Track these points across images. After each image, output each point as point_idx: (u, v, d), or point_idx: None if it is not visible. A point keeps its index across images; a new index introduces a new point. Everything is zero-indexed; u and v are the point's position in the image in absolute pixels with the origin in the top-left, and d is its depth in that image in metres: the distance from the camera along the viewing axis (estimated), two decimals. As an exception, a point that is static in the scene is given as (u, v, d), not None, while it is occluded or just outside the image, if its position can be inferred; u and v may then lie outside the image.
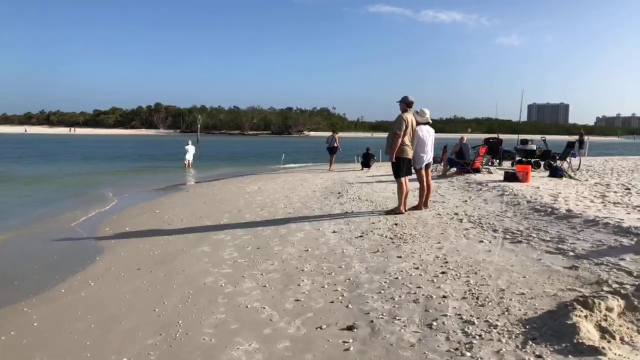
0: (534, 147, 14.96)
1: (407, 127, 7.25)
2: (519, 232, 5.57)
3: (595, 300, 3.21)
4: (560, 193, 8.12)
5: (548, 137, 16.76)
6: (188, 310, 3.94)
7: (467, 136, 14.43)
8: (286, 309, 3.80)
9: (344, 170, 18.44)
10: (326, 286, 4.24)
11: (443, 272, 4.35)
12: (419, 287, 4.00)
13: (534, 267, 4.28)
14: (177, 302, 4.16)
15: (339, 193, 10.40)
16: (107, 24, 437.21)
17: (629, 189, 8.83)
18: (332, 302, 3.86)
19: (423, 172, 7.67)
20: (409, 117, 7.34)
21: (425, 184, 7.67)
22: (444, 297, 3.72)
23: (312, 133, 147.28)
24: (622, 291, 3.40)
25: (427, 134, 7.64)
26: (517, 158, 15.60)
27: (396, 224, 6.63)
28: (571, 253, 4.54)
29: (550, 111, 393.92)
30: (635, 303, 3.25)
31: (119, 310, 4.07)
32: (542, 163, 15.02)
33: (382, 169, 17.49)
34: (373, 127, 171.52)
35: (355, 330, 3.30)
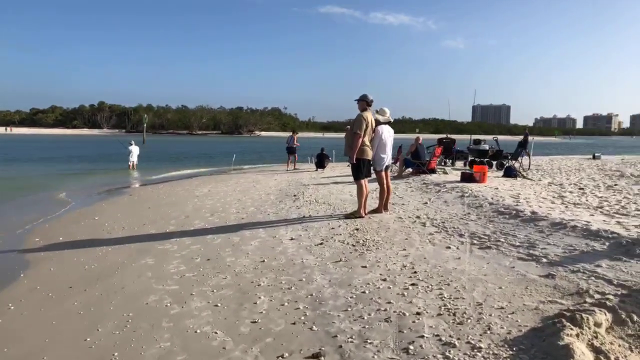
0: (487, 147, 15.14)
1: (367, 126, 6.93)
2: (486, 237, 5.35)
3: (583, 315, 2.94)
4: (520, 194, 8.05)
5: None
6: (126, 338, 3.37)
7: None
8: (242, 333, 3.31)
9: (298, 171, 18.03)
10: (286, 304, 3.78)
11: (413, 284, 4.01)
12: (389, 302, 3.62)
13: (509, 276, 4.02)
14: (114, 328, 3.57)
15: (294, 196, 9.95)
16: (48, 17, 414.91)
17: (583, 188, 8.94)
18: (294, 323, 3.40)
19: (383, 174, 7.36)
20: (369, 116, 7.02)
21: (385, 186, 7.37)
22: (418, 314, 3.36)
23: (263, 133, 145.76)
24: (607, 303, 3.16)
25: (388, 134, 7.35)
26: (470, 158, 15.76)
27: (357, 229, 6.27)
28: (544, 260, 4.33)
29: (493, 112, 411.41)
30: (623, 316, 3.01)
31: (42, 342, 3.43)
32: (494, 163, 15.22)
33: (337, 169, 17.22)
34: (324, 128, 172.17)
35: (322, 358, 2.87)
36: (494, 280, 3.97)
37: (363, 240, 5.66)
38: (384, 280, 4.19)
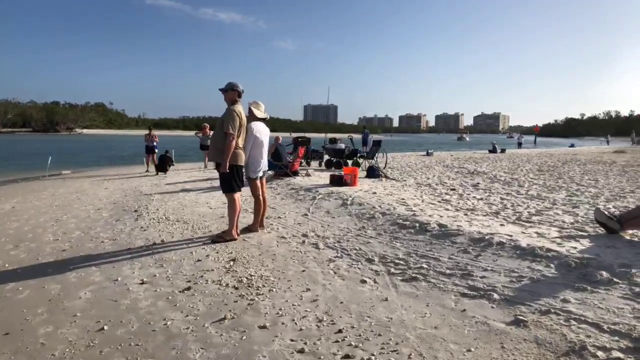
0: (343, 146, 14.69)
1: (241, 125, 5.43)
2: (403, 262, 4.32)
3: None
4: (404, 199, 7.36)
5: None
6: None
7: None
8: None
9: (132, 175, 15.32)
10: None
11: (348, 357, 2.72)
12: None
13: (470, 329, 2.99)
14: None
15: (135, 211, 7.86)
16: None
17: (455, 189, 8.73)
18: None
19: (258, 182, 5.94)
20: (242, 111, 5.53)
21: (261, 197, 5.96)
22: None
23: (85, 131, 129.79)
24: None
25: (264, 133, 5.94)
26: (326, 158, 15.19)
27: (234, 260, 4.74)
28: (495, 295, 3.42)
29: (322, 111, 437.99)
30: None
31: None
32: (349, 162, 14.86)
33: (182, 174, 15.09)
34: (157, 125, 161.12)
35: None
36: (453, 336, 2.90)
37: (247, 278, 4.17)
38: (302, 352, 2.82)
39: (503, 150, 28.79)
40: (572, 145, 46.46)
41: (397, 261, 4.36)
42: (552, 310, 3.08)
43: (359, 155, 14.55)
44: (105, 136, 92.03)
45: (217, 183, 11.64)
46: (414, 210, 6.23)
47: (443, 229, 5.11)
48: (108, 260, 4.97)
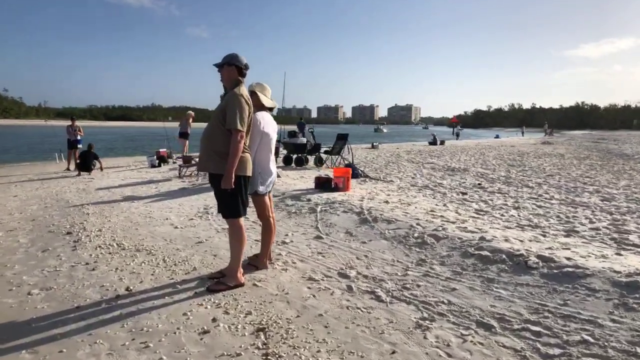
0: (304, 140, 13.04)
1: (249, 117, 3.69)
2: (547, 331, 2.82)
3: None
4: (433, 210, 5.89)
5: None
6: None
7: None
8: None
9: (47, 176, 12.51)
10: None
11: None
12: None
13: None
14: None
15: (69, 234, 5.72)
16: None
17: (465, 192, 7.47)
18: None
19: (267, 199, 4.22)
20: (249, 97, 3.78)
21: (272, 219, 4.24)
22: None
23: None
24: None
25: (274, 129, 4.21)
26: (284, 153, 13.51)
27: (263, 331, 3.02)
28: None
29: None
30: None
31: None
32: (310, 158, 13.30)
33: (112, 175, 12.60)
34: (60, 114, 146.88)
35: None
36: None
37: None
38: None
39: (442, 142, 28.65)
40: (497, 137, 48.26)
41: (531, 327, 2.87)
42: None
43: (323, 150, 13.02)
44: (1, 127, 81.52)
45: (163, 186, 9.54)
46: (472, 231, 4.79)
47: (551, 265, 3.71)
48: (46, 333, 3.03)
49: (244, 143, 3.63)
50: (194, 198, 7.98)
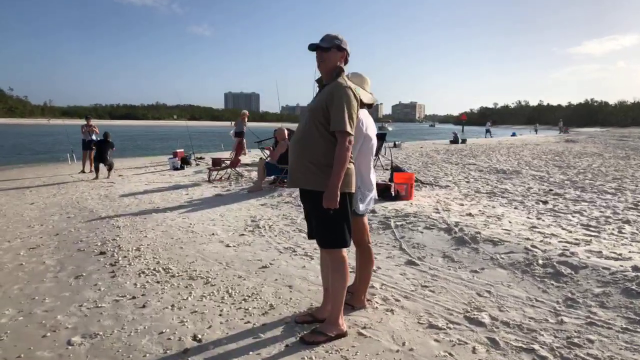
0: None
1: (357, 116, 2.83)
2: None
3: None
4: (535, 227, 4.97)
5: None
6: None
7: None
8: None
9: (61, 180, 11.68)
10: None
11: None
12: None
13: None
14: None
15: (102, 253, 4.88)
16: None
17: (546, 201, 6.55)
18: None
19: (366, 220, 3.35)
20: (357, 91, 2.92)
21: (368, 245, 3.36)
22: None
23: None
24: None
25: (373, 130, 3.33)
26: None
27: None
28: None
29: (244, 99, 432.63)
30: None
31: None
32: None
33: (132, 178, 11.77)
34: (65, 113, 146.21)
35: None
36: None
37: None
38: None
39: (464, 141, 27.69)
40: (514, 134, 47.19)
41: None
42: None
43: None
44: (5, 126, 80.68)
45: (194, 193, 8.59)
46: (612, 257, 3.85)
47: None
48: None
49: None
50: (234, 208, 7.11)
